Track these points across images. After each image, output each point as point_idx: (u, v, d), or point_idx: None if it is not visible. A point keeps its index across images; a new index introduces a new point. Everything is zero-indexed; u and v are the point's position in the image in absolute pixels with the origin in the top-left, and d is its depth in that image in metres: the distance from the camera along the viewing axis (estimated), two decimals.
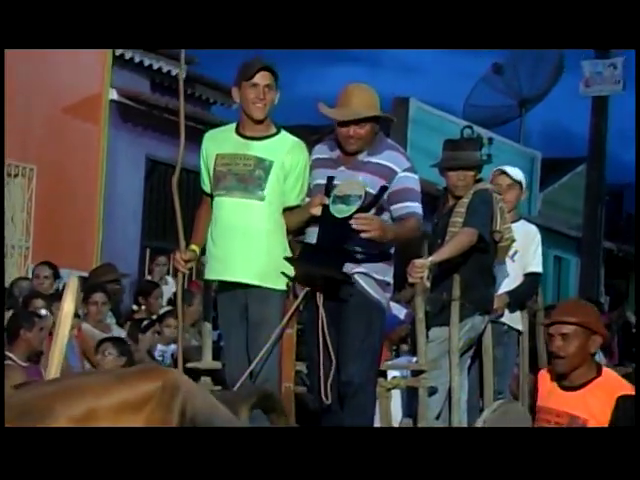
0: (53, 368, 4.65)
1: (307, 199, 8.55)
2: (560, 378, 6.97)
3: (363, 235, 8.05)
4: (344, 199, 8.27)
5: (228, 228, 8.47)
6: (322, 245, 8.29)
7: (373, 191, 8.27)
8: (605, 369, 7.00)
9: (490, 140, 17.78)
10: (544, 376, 7.31)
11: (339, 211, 8.25)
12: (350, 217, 8.11)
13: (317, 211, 8.30)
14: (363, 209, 8.19)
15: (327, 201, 8.32)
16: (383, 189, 8.39)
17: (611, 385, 6.76)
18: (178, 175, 8.64)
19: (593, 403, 6.57)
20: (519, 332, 10.09)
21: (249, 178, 8.42)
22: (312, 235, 8.45)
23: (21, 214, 17.15)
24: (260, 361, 7.99)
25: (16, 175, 17.16)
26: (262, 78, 8.38)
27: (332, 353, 8.20)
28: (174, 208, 8.65)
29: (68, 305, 4.87)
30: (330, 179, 8.45)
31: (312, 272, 8.35)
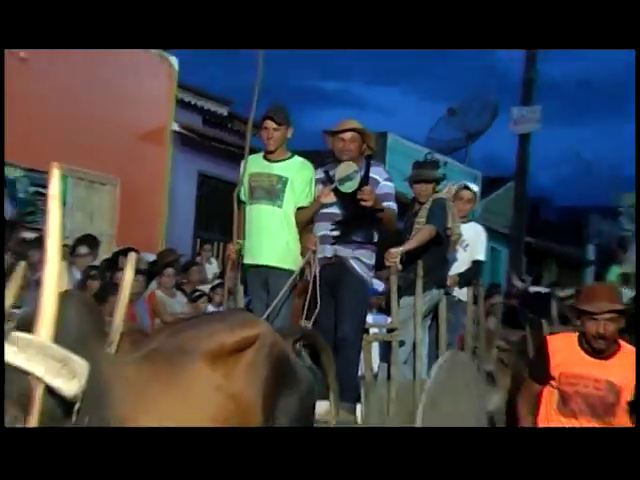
0: (117, 319, 4.53)
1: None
2: (591, 350, 6.04)
3: (364, 204, 8.25)
4: (347, 178, 8.38)
5: (257, 227, 8.51)
6: (345, 218, 8.51)
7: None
8: (620, 341, 6.20)
9: (445, 163, 17.72)
10: (562, 341, 6.31)
11: (348, 187, 8.37)
12: (356, 190, 8.30)
13: (329, 199, 8.44)
14: (362, 183, 8.34)
15: (333, 189, 8.45)
16: (368, 165, 8.66)
17: (630, 352, 6.20)
18: (238, 190, 8.60)
19: (622, 371, 5.96)
20: (465, 302, 10.08)
21: (272, 191, 8.45)
22: (319, 227, 8.54)
23: (109, 212, 17.13)
24: (276, 318, 7.99)
25: (106, 184, 17.12)
26: (268, 124, 8.42)
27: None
28: (233, 213, 8.61)
29: (129, 274, 4.79)
30: (327, 172, 8.65)
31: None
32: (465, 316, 9.99)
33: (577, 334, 6.18)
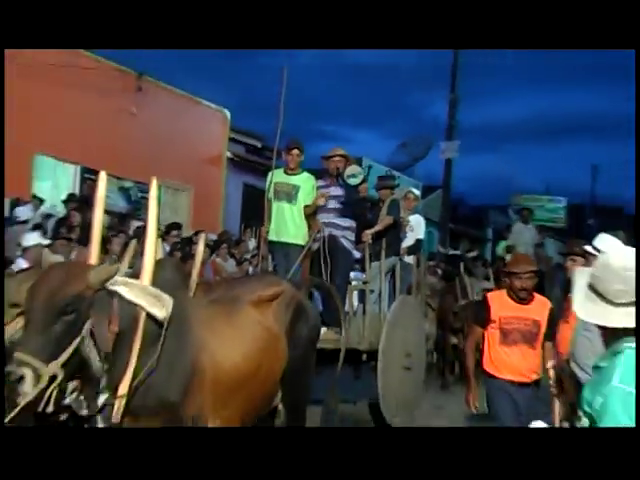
0: (194, 275, 4.54)
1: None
2: (518, 299, 5.77)
3: (361, 195, 8.71)
4: (354, 175, 8.46)
5: (280, 217, 8.41)
6: (348, 200, 8.50)
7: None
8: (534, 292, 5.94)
9: (398, 176, 17.60)
10: (496, 296, 5.96)
11: (353, 182, 8.44)
12: (360, 184, 8.57)
13: (321, 201, 8.32)
14: (364, 180, 8.66)
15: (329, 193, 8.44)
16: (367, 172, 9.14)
17: (542, 299, 5.98)
18: (267, 195, 8.53)
19: (539, 311, 5.80)
20: (411, 265, 9.98)
21: (290, 194, 8.38)
22: (321, 217, 8.41)
23: (187, 208, 17.13)
24: (293, 275, 7.83)
25: (185, 190, 17.11)
26: (294, 152, 8.37)
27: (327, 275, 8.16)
28: (264, 209, 8.54)
29: (200, 247, 4.82)
30: (341, 174, 8.56)
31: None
32: (411, 273, 9.91)
33: (505, 290, 5.95)
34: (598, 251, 4.99)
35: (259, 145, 19.52)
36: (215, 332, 4.31)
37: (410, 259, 10.05)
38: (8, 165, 12.27)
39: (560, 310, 5.83)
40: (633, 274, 2.79)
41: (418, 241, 10.37)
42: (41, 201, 12.91)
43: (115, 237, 9.72)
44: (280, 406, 4.96)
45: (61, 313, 3.50)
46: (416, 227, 10.39)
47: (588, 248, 5.33)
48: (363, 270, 8.96)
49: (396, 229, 9.28)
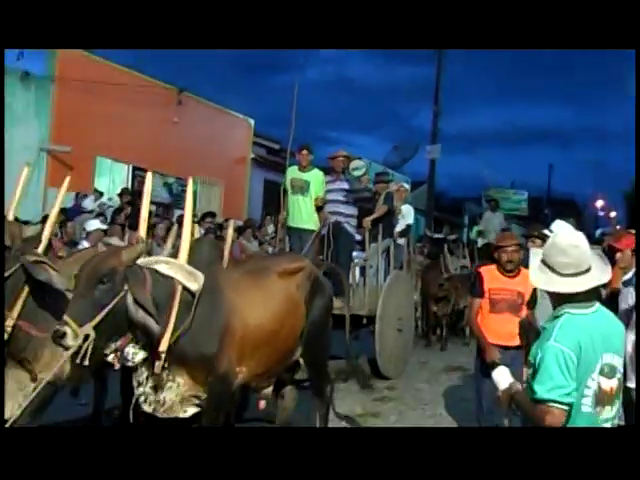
0: (226, 253, 4.51)
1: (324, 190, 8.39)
2: (504, 271, 5.42)
3: (363, 185, 8.46)
4: (358, 168, 8.37)
5: (295, 207, 8.34)
6: (352, 188, 8.33)
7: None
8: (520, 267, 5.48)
9: (392, 174, 17.38)
10: (487, 271, 5.56)
11: (357, 173, 8.35)
12: (362, 175, 8.44)
13: (326, 196, 8.26)
14: (365, 173, 8.49)
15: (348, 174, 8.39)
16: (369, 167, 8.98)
17: (527, 272, 5.45)
18: (282, 188, 8.48)
19: (523, 284, 5.26)
20: (403, 245, 9.90)
21: (303, 188, 8.28)
22: (329, 207, 8.28)
23: (218, 199, 17.06)
24: (306, 255, 7.72)
25: (216, 185, 17.03)
26: (304, 152, 8.27)
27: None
28: (279, 199, 8.51)
29: (229, 231, 4.77)
30: (346, 169, 8.42)
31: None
32: (403, 253, 9.85)
33: (495, 265, 5.52)
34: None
35: (277, 147, 19.44)
36: (245, 297, 4.27)
37: (402, 241, 9.96)
38: (75, 165, 12.46)
39: None
40: (579, 250, 2.80)
41: (408, 226, 10.27)
42: (101, 194, 13.12)
43: (160, 223, 9.68)
44: (301, 361, 4.90)
45: (98, 283, 3.50)
46: (407, 215, 10.28)
47: (545, 231, 5.32)
48: (363, 250, 8.88)
49: (390, 216, 9.18)
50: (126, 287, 3.56)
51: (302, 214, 8.32)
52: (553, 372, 2.65)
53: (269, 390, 4.92)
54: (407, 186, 11.33)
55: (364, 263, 8.82)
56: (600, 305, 2.87)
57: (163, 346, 3.73)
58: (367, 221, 8.67)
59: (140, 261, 3.72)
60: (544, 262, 2.88)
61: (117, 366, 3.82)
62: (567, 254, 2.80)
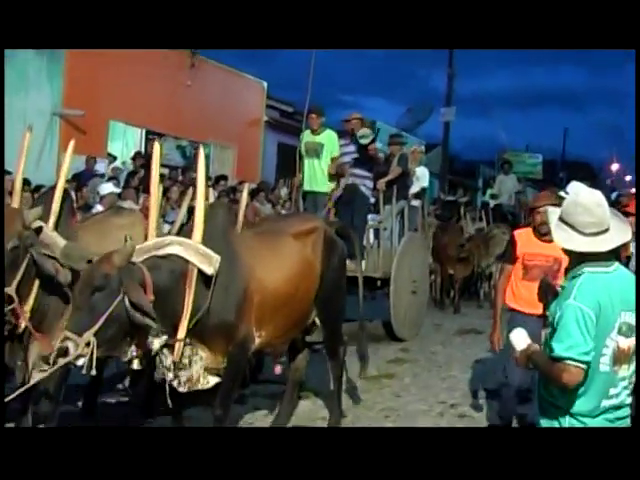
0: (240, 216, 4.49)
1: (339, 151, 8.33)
2: (539, 235, 4.87)
3: (370, 153, 8.29)
4: (365, 136, 8.20)
5: (310, 170, 8.29)
6: (360, 158, 8.28)
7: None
8: None
9: (406, 136, 17.21)
10: (521, 234, 5.13)
11: (364, 141, 8.19)
12: (369, 144, 8.24)
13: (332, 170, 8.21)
14: (373, 141, 8.32)
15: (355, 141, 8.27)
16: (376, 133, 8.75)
17: None
18: (298, 152, 8.45)
19: (559, 249, 4.83)
20: (418, 207, 9.90)
21: (316, 150, 8.22)
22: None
23: (232, 162, 17.01)
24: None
25: (230, 148, 16.95)
26: (313, 116, 8.21)
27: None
28: (296, 162, 8.49)
29: (244, 194, 4.75)
30: (353, 134, 8.33)
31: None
32: (417, 215, 9.81)
33: (531, 228, 5.05)
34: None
35: (291, 110, 19.24)
36: (260, 260, 4.23)
37: (416, 203, 9.89)
38: (88, 129, 12.39)
39: None
40: (602, 209, 2.73)
41: (423, 189, 10.20)
42: (114, 158, 13.04)
43: (173, 186, 9.67)
44: (317, 321, 4.88)
45: (93, 292, 3.40)
46: (421, 177, 10.18)
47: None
48: (378, 212, 8.85)
49: (404, 178, 9.10)
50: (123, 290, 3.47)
51: (317, 177, 8.28)
52: (572, 330, 2.62)
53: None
54: (422, 148, 11.21)
55: (379, 225, 8.79)
56: (619, 264, 2.82)
57: (181, 333, 3.71)
58: (381, 183, 8.61)
59: (152, 242, 3.68)
60: (563, 220, 2.81)
61: (139, 367, 3.83)
62: (591, 213, 2.72)
